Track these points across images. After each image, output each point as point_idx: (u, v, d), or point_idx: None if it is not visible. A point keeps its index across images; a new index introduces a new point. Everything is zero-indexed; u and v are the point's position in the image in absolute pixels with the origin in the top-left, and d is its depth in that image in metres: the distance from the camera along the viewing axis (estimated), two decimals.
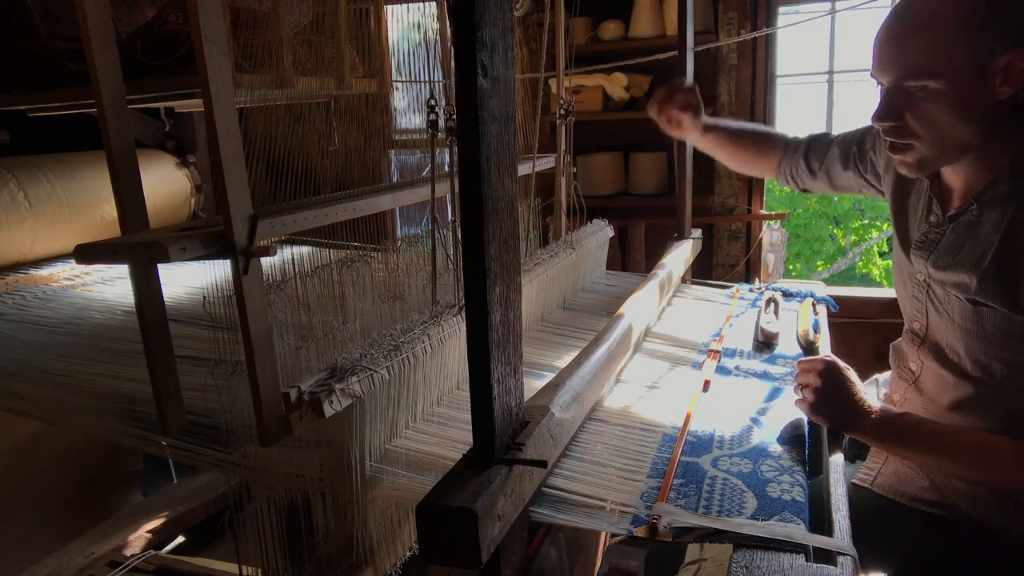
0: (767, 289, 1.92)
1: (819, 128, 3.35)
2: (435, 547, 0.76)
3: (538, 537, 1.00)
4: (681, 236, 2.07)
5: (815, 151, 1.55)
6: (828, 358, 1.18)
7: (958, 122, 1.04)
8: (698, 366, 1.47)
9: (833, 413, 1.14)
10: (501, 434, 0.84)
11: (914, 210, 1.23)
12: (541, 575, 0.97)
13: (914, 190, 1.25)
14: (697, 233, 2.13)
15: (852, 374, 1.17)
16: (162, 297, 1.00)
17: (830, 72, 3.36)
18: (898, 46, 1.04)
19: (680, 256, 1.91)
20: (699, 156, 3.62)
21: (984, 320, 1.09)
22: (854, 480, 1.26)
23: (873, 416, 1.13)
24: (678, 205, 2.10)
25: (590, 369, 1.16)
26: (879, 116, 1.08)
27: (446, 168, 1.24)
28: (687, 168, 2.05)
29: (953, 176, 1.14)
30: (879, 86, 1.10)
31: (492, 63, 0.74)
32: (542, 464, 0.86)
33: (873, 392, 1.49)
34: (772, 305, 1.77)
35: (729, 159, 1.76)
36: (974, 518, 1.15)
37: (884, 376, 1.51)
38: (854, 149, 1.44)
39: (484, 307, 0.77)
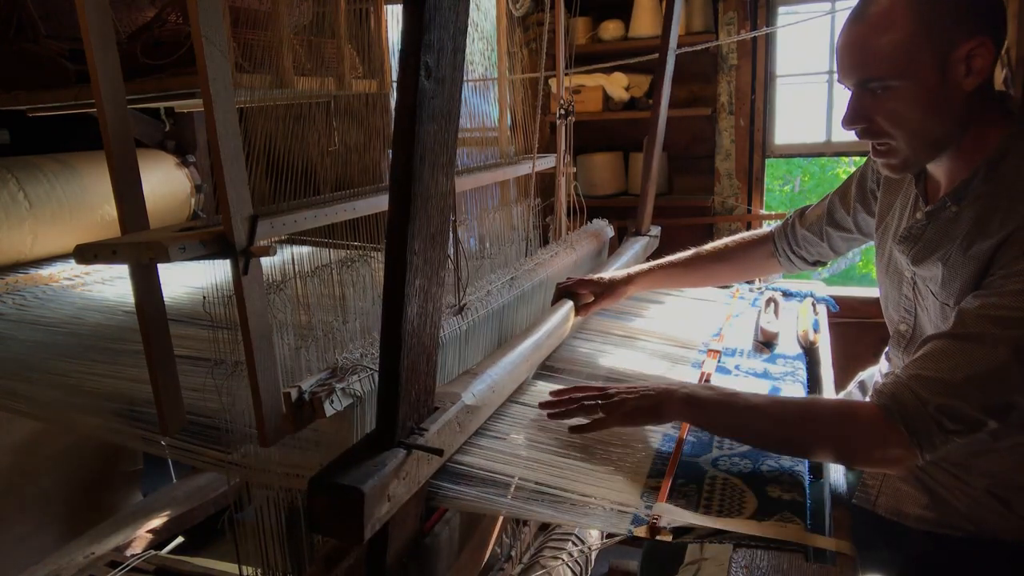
0: (767, 289, 1.92)
1: (818, 129, 3.36)
2: (321, 520, 0.79)
3: (435, 516, 1.03)
4: (639, 233, 2.10)
5: (812, 215, 1.51)
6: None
7: (927, 116, 1.03)
8: (698, 365, 1.47)
9: (648, 405, 1.10)
10: (405, 418, 0.87)
11: (902, 207, 1.23)
12: (429, 553, 1.00)
13: (902, 189, 1.24)
14: (655, 231, 2.16)
15: None
16: (162, 297, 1.00)
17: (830, 72, 3.36)
18: (858, 49, 1.03)
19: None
20: (698, 156, 3.63)
21: (951, 319, 1.07)
22: (854, 500, 1.25)
23: (681, 391, 1.10)
24: (640, 201, 2.13)
25: (512, 360, 1.18)
26: (848, 120, 1.08)
27: None
28: (653, 167, 2.07)
29: (938, 172, 1.13)
30: (848, 91, 1.09)
31: (438, 65, 0.75)
32: (438, 452, 0.89)
33: (858, 393, 1.48)
34: (772, 305, 1.77)
35: (715, 275, 1.66)
36: (977, 533, 1.14)
37: (867, 373, 1.51)
38: (854, 190, 1.39)
39: (400, 297, 0.80)
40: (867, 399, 1.39)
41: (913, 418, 0.96)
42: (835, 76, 3.37)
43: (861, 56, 1.03)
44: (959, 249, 1.06)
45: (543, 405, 1.19)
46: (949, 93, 1.02)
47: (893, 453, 0.99)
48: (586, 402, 1.14)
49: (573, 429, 1.14)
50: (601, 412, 1.12)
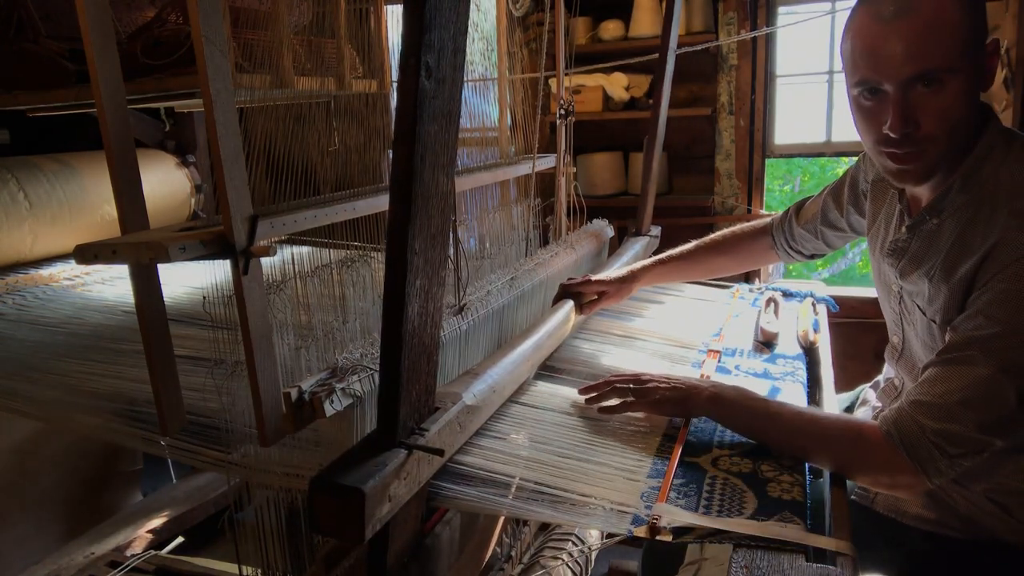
0: (767, 289, 1.92)
1: (818, 129, 3.37)
2: (323, 520, 0.79)
3: (436, 517, 1.04)
4: (639, 233, 2.10)
5: (808, 212, 1.53)
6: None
7: (967, 114, 1.01)
8: (698, 365, 1.47)
9: (676, 397, 1.16)
10: (406, 419, 0.87)
11: (887, 220, 1.23)
12: (430, 553, 1.00)
13: (887, 201, 1.24)
14: (656, 231, 2.16)
15: None
16: (162, 297, 1.00)
17: (830, 72, 3.36)
18: (914, 41, 0.96)
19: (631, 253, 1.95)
20: (698, 156, 3.63)
21: (937, 338, 1.09)
22: (853, 497, 1.26)
23: (709, 390, 1.15)
24: (640, 201, 2.13)
25: (513, 360, 1.18)
26: (901, 123, 0.99)
27: None
28: (653, 167, 2.08)
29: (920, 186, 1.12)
30: (874, 95, 1.02)
31: (438, 65, 0.75)
32: (439, 452, 0.89)
33: (871, 393, 1.49)
34: (772, 305, 1.77)
35: (716, 268, 1.69)
36: (976, 534, 1.14)
37: (883, 375, 1.51)
38: (847, 192, 1.40)
39: (401, 297, 0.80)
40: (875, 405, 1.39)
41: (914, 445, 0.97)
42: (835, 76, 3.37)
43: (918, 47, 0.96)
44: (942, 266, 1.06)
45: (583, 390, 1.24)
46: (980, 90, 1.02)
47: (901, 480, 1.00)
48: (619, 385, 1.20)
49: (602, 409, 1.20)
50: (631, 396, 1.18)
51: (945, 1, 0.97)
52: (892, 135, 1.01)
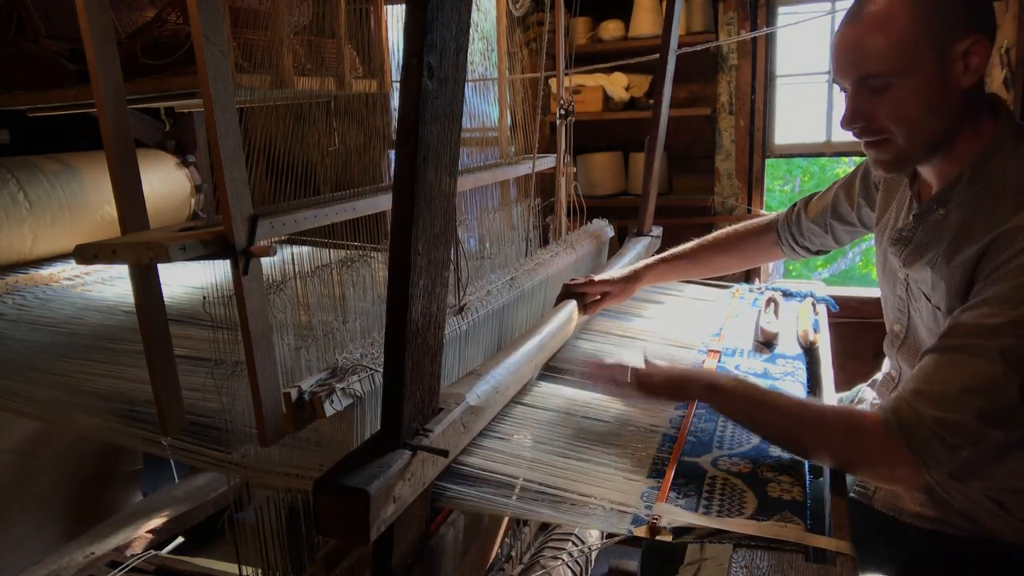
0: (767, 289, 1.92)
1: (818, 129, 3.36)
2: (328, 521, 0.79)
3: (440, 518, 1.04)
4: (640, 233, 2.11)
5: (817, 206, 1.53)
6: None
7: (927, 114, 1.03)
8: (699, 365, 1.47)
9: (672, 385, 1.17)
10: (410, 420, 0.87)
11: (898, 209, 1.24)
12: (434, 554, 1.00)
13: (899, 191, 1.25)
14: (657, 231, 2.16)
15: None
16: (162, 297, 1.00)
17: (830, 72, 3.36)
18: (856, 46, 1.03)
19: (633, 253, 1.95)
20: (698, 156, 3.63)
21: (942, 325, 1.09)
22: (851, 494, 1.26)
23: (706, 378, 1.15)
24: (642, 202, 2.13)
25: (516, 361, 1.18)
26: (847, 119, 1.08)
27: None
28: (655, 168, 2.08)
29: (930, 174, 1.14)
30: (844, 92, 1.09)
31: (440, 65, 0.75)
32: (443, 453, 0.89)
33: (869, 391, 1.49)
34: (772, 305, 1.77)
35: (719, 266, 1.68)
36: (975, 532, 1.14)
37: (881, 373, 1.51)
38: (858, 185, 1.41)
39: (405, 298, 0.80)
40: (873, 401, 1.40)
41: (913, 434, 0.97)
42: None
43: (860, 53, 1.03)
44: (944, 255, 1.06)
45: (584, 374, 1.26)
46: (948, 90, 1.02)
47: (900, 471, 0.99)
48: (617, 374, 1.20)
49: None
50: (629, 382, 1.19)
51: (895, 9, 1.00)
52: (843, 127, 1.09)
